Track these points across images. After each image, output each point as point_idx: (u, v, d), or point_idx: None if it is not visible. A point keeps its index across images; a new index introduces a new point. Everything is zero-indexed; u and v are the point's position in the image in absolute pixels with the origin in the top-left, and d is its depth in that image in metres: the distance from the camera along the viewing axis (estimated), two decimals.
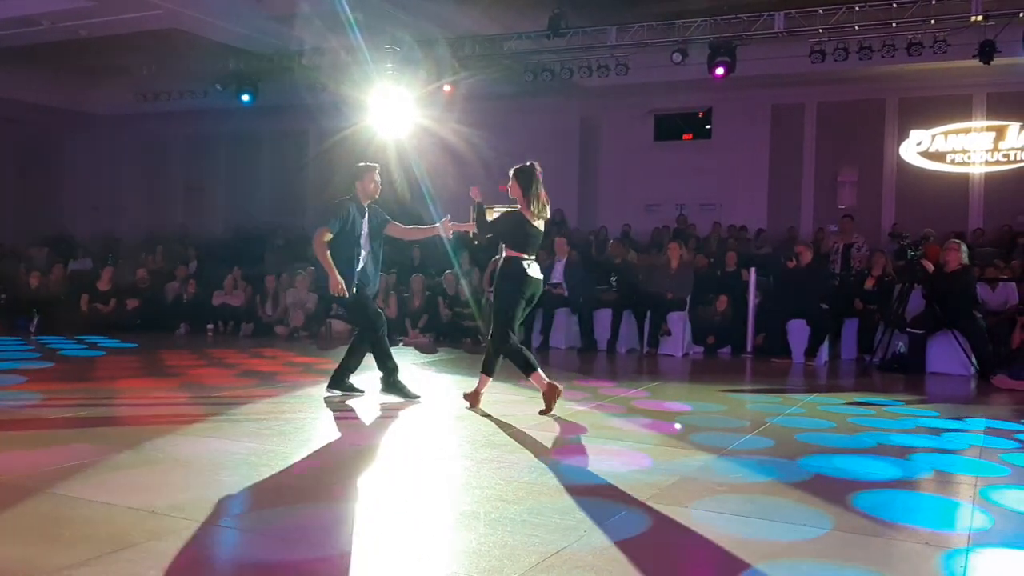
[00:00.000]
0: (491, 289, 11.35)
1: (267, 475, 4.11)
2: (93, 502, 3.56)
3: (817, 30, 11.72)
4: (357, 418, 5.96)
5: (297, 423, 5.54)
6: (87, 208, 20.44)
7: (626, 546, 3.23)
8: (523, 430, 5.48)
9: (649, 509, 3.67)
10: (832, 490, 4.05)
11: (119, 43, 14.03)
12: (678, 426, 5.63)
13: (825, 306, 9.91)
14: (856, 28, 11.55)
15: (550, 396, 5.86)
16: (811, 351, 9.75)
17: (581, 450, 4.88)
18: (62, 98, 18.34)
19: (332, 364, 7.11)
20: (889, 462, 4.72)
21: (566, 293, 11.01)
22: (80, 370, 8.17)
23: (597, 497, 3.85)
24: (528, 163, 6.12)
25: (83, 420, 5.40)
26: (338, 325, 11.85)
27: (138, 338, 10.86)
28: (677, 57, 12.27)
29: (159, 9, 12.13)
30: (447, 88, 13.58)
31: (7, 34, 13.39)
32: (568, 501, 3.78)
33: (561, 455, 4.75)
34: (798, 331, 9.90)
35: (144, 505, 3.51)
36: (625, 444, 5.05)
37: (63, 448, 4.58)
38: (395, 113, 15.43)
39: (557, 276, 11.21)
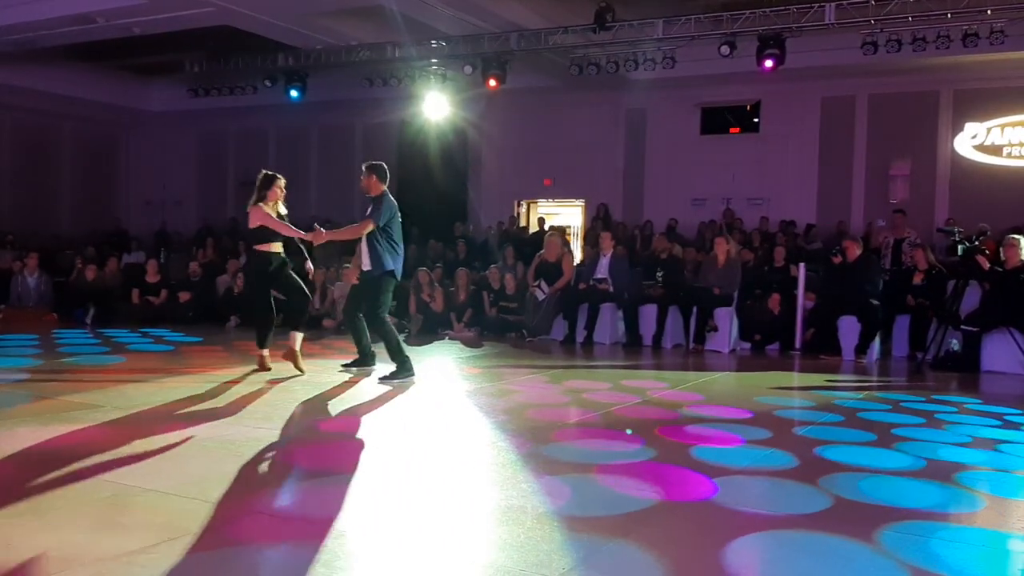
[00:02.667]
0: (536, 284, 11.39)
1: (314, 466, 4.17)
2: (149, 491, 3.65)
3: (869, 21, 11.48)
4: (399, 411, 6.01)
5: (344, 415, 5.62)
6: (142, 203, 20.93)
7: (678, 543, 3.22)
8: (570, 428, 5.50)
9: (710, 510, 3.66)
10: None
11: (172, 40, 14.28)
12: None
13: (876, 302, 9.74)
14: (910, 19, 11.29)
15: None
16: (862, 348, 9.60)
17: (632, 448, 4.87)
18: (118, 95, 18.76)
19: (381, 357, 7.23)
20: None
21: (611, 288, 10.98)
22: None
23: (648, 494, 3.84)
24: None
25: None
26: None
27: (194, 330, 11.01)
28: (725, 50, 12.12)
29: (210, 6, 12.31)
30: (492, 83, 13.58)
31: (63, 31, 13.69)
32: (616, 497, 3.78)
33: (610, 453, 4.75)
34: (848, 328, 9.75)
35: (199, 494, 3.60)
36: (680, 448, 5.03)
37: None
38: (440, 108, 15.52)
39: (602, 271, 11.18)
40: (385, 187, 7.19)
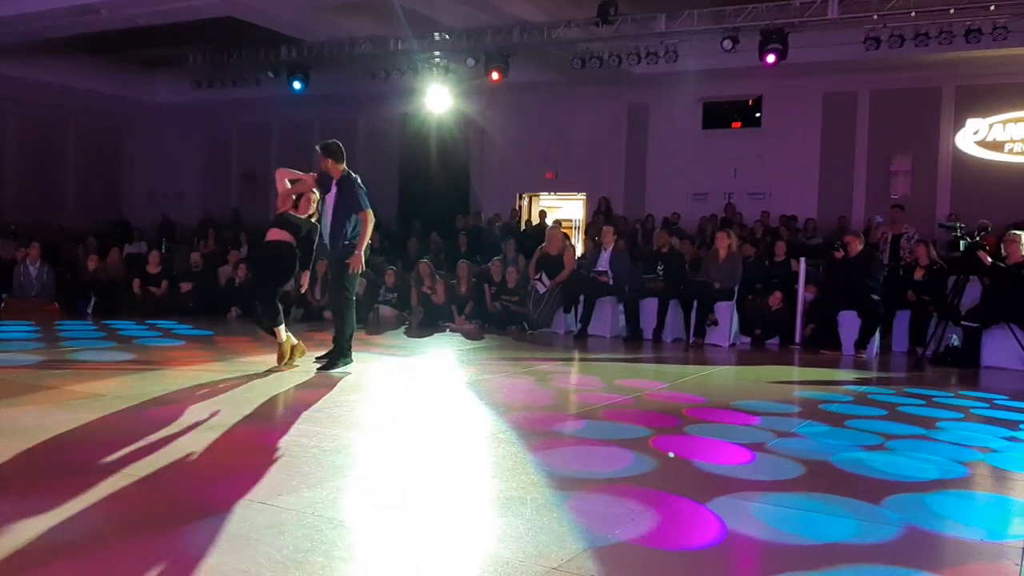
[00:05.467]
0: (537, 276, 11.41)
1: (316, 457, 4.20)
2: (149, 480, 3.69)
3: (872, 16, 11.48)
4: (399, 402, 6.04)
5: (345, 406, 5.66)
6: (145, 194, 20.94)
7: (674, 535, 3.24)
8: (570, 420, 5.53)
9: (704, 504, 3.68)
10: None
11: (176, 32, 14.28)
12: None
13: (876, 297, 9.77)
14: (913, 14, 11.29)
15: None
16: (862, 343, 9.62)
17: (638, 438, 4.90)
18: (122, 87, 18.77)
19: (382, 349, 7.24)
20: None
21: (611, 281, 10.99)
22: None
23: (646, 487, 3.86)
24: None
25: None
26: (385, 310, 11.99)
27: (199, 322, 10.97)
28: (728, 44, 12.12)
29: None
30: (494, 76, 13.59)
31: (68, 22, 13.68)
32: (616, 490, 3.81)
33: (610, 446, 4.78)
34: (849, 322, 9.77)
35: (199, 484, 3.63)
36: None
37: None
38: (442, 101, 15.52)
39: (603, 264, 11.19)
40: (344, 166, 7.04)
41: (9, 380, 6.23)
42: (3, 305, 12.06)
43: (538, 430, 4.98)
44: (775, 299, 10.49)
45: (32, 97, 17.98)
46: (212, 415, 5.10)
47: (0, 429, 4.56)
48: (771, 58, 12.04)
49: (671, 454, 4.49)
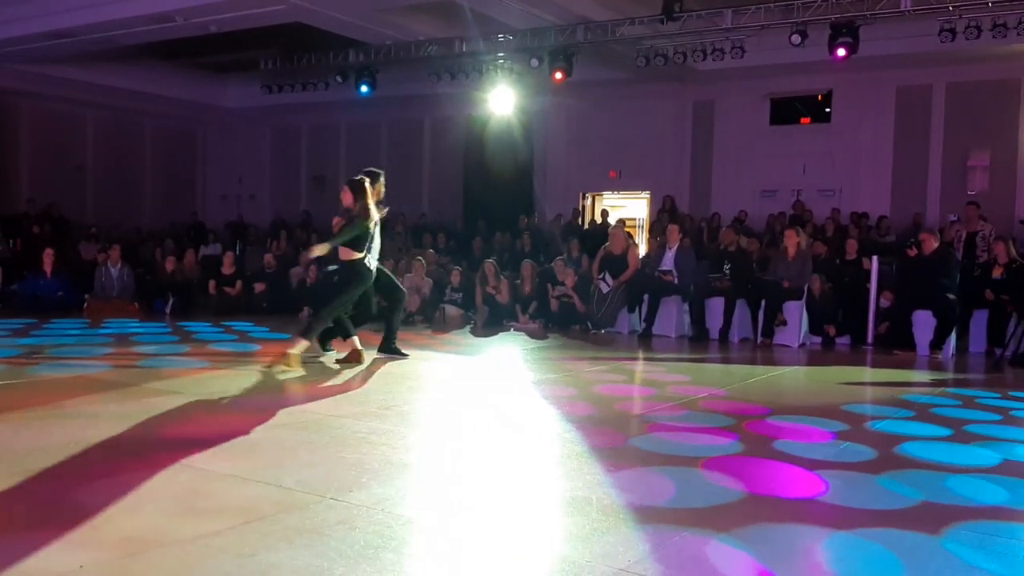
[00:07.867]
0: (600, 276, 11.37)
1: (385, 454, 4.28)
2: (226, 475, 3.81)
3: (947, 7, 11.13)
4: (465, 400, 6.10)
5: (413, 404, 5.75)
6: (218, 196, 21.52)
7: (742, 538, 3.23)
8: (634, 419, 5.51)
9: (766, 508, 3.65)
10: None
11: (247, 38, 14.63)
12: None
13: (952, 296, 9.49)
14: (989, 4, 10.93)
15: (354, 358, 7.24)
16: (937, 343, 9.37)
17: (707, 444, 4.87)
18: (195, 92, 19.31)
19: (448, 347, 7.31)
20: None
21: (676, 281, 10.90)
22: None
23: (713, 485, 3.85)
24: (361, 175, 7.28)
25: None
26: (452, 310, 12.09)
27: (272, 323, 11.10)
28: (796, 38, 11.88)
29: (283, 4, 12.57)
30: (558, 75, 13.58)
31: (144, 30, 14.12)
32: (684, 490, 3.79)
33: (679, 447, 4.76)
34: (923, 322, 9.52)
35: (273, 480, 3.74)
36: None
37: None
38: (506, 101, 15.58)
39: (668, 263, 11.11)
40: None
41: (91, 377, 6.47)
42: (86, 305, 12.51)
43: (602, 431, 4.99)
44: (814, 282, 10.28)
45: (110, 103, 18.60)
46: (285, 413, 5.23)
47: (76, 416, 4.75)
48: (841, 52, 11.75)
49: None
